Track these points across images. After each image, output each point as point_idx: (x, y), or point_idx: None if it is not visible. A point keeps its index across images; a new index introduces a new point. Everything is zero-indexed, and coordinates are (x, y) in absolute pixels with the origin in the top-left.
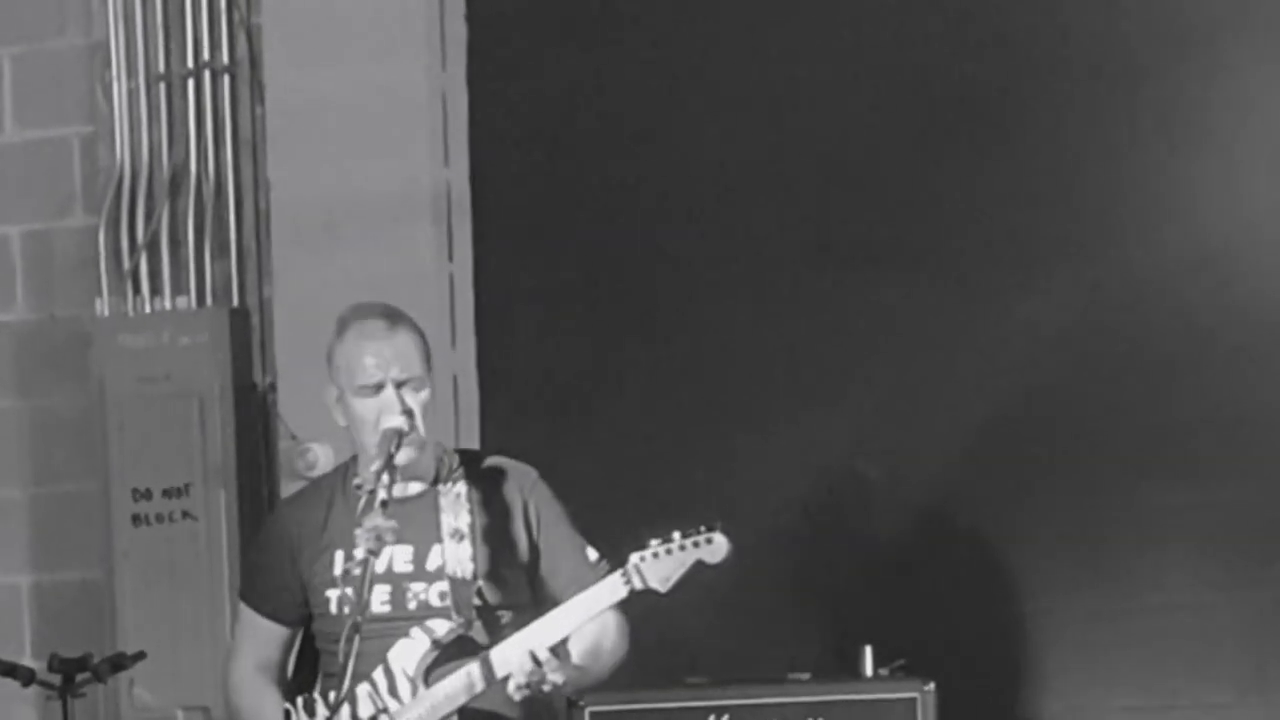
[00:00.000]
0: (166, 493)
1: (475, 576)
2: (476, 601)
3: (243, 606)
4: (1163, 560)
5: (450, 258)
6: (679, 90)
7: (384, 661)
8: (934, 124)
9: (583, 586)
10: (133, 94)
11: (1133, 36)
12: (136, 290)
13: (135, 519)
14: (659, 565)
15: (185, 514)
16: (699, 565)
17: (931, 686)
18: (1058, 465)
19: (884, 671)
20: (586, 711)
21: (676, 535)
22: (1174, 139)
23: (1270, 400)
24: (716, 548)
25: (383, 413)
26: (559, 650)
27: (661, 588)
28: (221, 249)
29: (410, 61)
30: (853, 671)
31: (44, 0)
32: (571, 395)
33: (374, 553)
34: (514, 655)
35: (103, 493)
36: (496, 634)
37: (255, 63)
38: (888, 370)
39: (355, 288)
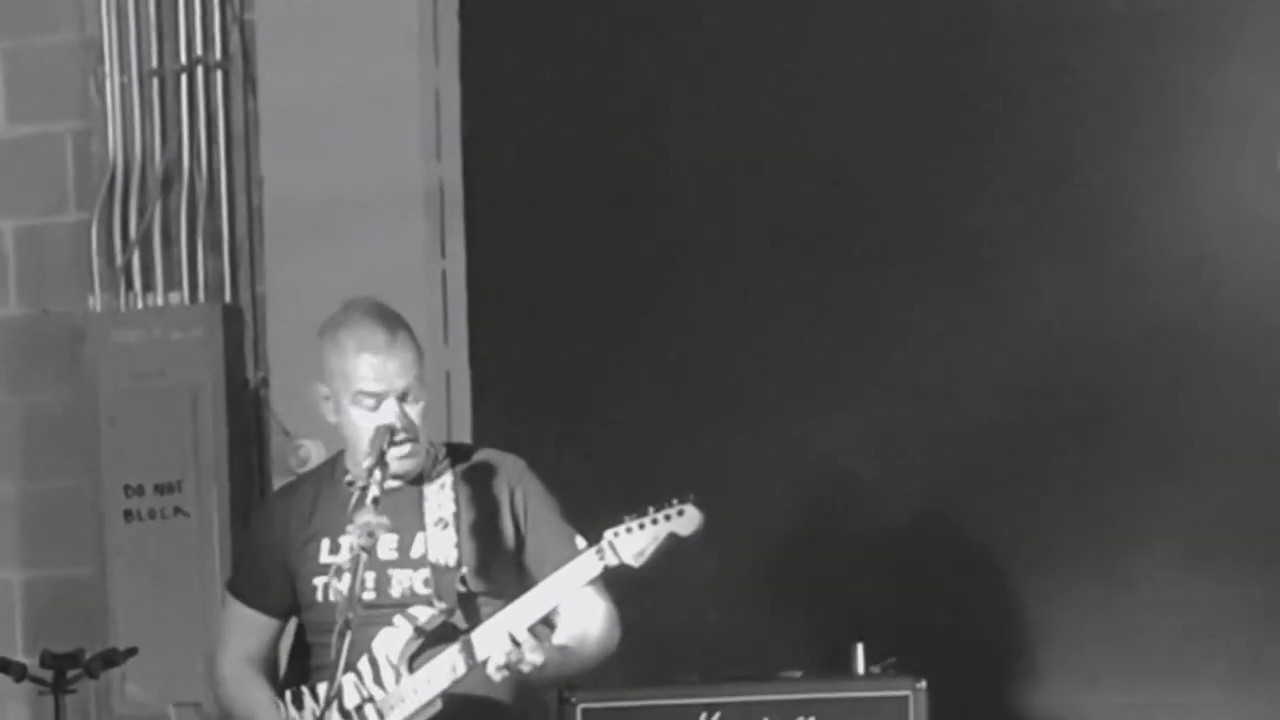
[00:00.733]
0: (159, 488)
1: (459, 564)
2: (460, 588)
3: (231, 599)
4: (1153, 558)
5: (443, 254)
6: (671, 87)
7: (368, 650)
8: (925, 124)
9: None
10: (125, 89)
11: (1130, 35)
12: (129, 286)
13: (127, 515)
14: (631, 540)
15: (177, 510)
16: (672, 538)
17: (923, 684)
18: (1049, 464)
19: (876, 669)
20: (578, 708)
21: (650, 510)
22: (1170, 140)
23: (1261, 400)
24: (689, 519)
25: (379, 425)
26: (537, 630)
27: (635, 562)
28: (214, 245)
29: (403, 57)
30: (844, 669)
31: None
32: (563, 391)
33: (366, 549)
34: (494, 637)
35: (95, 488)
36: (480, 621)
37: (248, 58)
38: (880, 368)
39: (348, 284)
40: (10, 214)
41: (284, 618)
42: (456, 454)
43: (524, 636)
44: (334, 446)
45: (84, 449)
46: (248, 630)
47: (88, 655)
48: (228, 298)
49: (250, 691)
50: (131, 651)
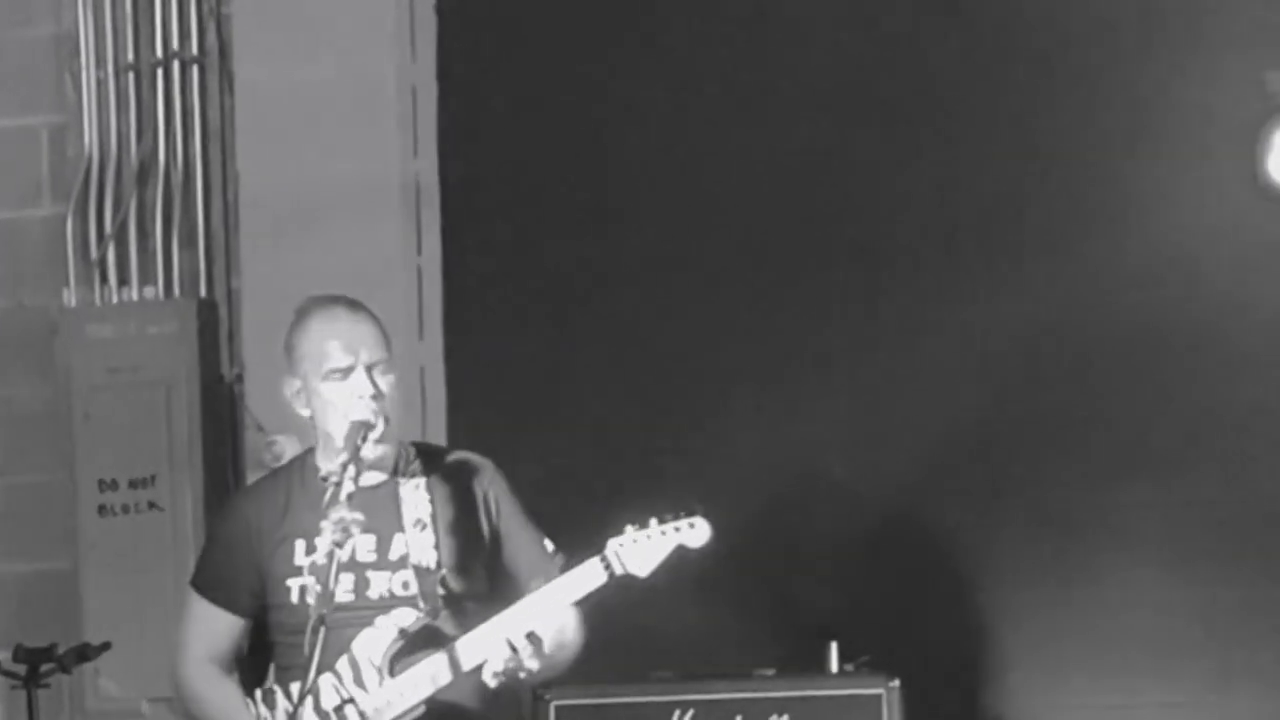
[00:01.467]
0: (133, 483)
1: (439, 566)
2: (441, 591)
3: (196, 596)
4: (1126, 559)
5: (419, 250)
6: (648, 85)
7: (349, 652)
8: (894, 128)
9: (545, 576)
10: (101, 83)
11: (1096, 41)
12: (104, 280)
13: (101, 509)
14: (639, 550)
15: (151, 505)
16: (680, 550)
17: (896, 683)
18: (1022, 464)
19: (849, 667)
20: (551, 706)
21: (654, 521)
22: (1135, 144)
23: (1232, 400)
24: (699, 532)
25: (353, 397)
26: (533, 637)
27: (642, 573)
28: (189, 239)
29: (380, 53)
30: (818, 667)
31: None
32: (538, 388)
33: (339, 544)
34: (485, 644)
35: (69, 483)
36: (461, 623)
37: (224, 53)
38: (854, 368)
39: (323, 279)
40: None
41: (248, 618)
42: (427, 455)
43: (522, 644)
44: (308, 442)
45: (58, 443)
46: (213, 629)
47: (61, 650)
48: (203, 293)
49: (218, 690)
50: (105, 646)
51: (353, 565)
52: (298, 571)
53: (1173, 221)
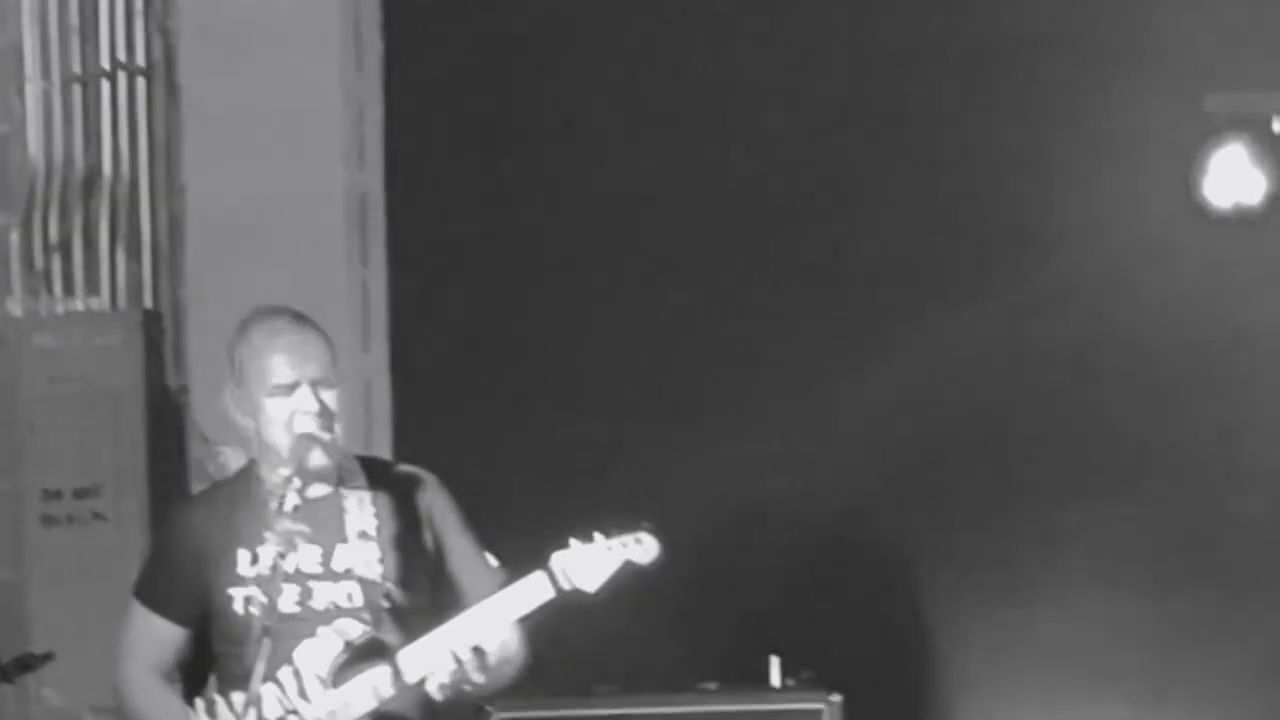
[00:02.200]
0: (78, 493)
1: (383, 578)
2: (385, 603)
3: (138, 605)
4: (1067, 577)
5: (364, 263)
6: (595, 98)
7: (291, 662)
8: (850, 145)
9: (489, 590)
10: (47, 94)
11: (1035, 66)
12: (49, 290)
13: (46, 519)
14: (586, 564)
15: (96, 515)
16: (627, 565)
17: (838, 698)
18: (966, 482)
19: (791, 682)
20: (495, 718)
21: (598, 536)
22: (1072, 167)
23: (1172, 420)
24: (647, 548)
25: (296, 413)
26: (478, 650)
27: (590, 587)
28: (135, 250)
29: (326, 67)
30: (761, 681)
31: None
32: (483, 402)
33: (283, 555)
34: (428, 656)
35: (14, 493)
36: (405, 636)
37: (170, 65)
38: (802, 387)
39: (268, 291)
40: None
41: (190, 628)
42: (372, 468)
43: (467, 656)
44: (252, 453)
45: (3, 453)
46: (155, 638)
47: (4, 659)
48: (148, 304)
49: (159, 700)
50: (48, 656)
51: (297, 576)
52: (241, 582)
53: (1111, 243)
